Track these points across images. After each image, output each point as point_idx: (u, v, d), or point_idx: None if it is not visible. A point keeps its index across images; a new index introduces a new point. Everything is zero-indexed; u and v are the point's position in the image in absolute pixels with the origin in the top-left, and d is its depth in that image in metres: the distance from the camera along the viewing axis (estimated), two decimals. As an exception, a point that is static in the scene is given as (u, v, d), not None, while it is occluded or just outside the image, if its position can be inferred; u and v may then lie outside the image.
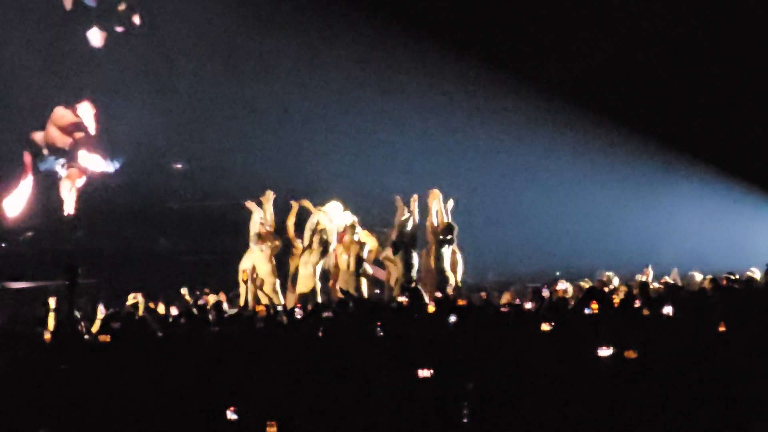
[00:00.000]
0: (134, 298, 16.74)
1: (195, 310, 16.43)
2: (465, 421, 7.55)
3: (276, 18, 25.61)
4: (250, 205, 18.11)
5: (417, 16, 25.73)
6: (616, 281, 18.41)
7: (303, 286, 17.61)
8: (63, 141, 24.70)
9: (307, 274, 17.64)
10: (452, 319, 11.62)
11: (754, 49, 24.69)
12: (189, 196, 26.65)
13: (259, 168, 25.99)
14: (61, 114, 24.77)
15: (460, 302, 14.08)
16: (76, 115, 25.02)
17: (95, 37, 25.92)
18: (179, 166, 26.78)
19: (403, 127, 26.38)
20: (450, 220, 18.24)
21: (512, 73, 25.60)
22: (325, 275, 18.08)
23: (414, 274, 17.81)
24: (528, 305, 14.25)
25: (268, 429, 7.54)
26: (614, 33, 24.91)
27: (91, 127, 24.96)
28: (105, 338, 12.41)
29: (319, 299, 17.22)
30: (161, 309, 17.61)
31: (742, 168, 25.04)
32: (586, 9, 25.17)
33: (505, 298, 17.12)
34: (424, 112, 26.53)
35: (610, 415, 7.53)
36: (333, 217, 18.04)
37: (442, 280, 17.60)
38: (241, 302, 17.45)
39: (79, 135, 24.69)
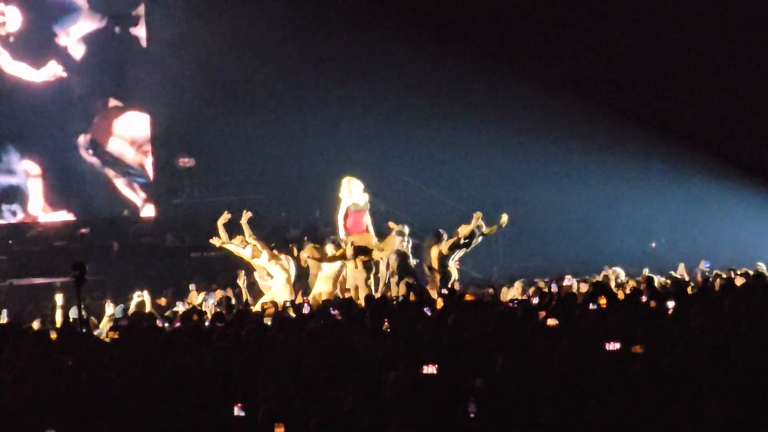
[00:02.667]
0: (140, 296, 16.75)
1: (204, 307, 16.50)
2: (472, 416, 7.54)
3: (284, 14, 25.62)
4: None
5: (435, 19, 25.80)
6: (623, 276, 18.38)
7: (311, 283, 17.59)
8: None
9: (315, 272, 17.61)
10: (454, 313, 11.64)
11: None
12: (196, 192, 26.66)
13: (266, 164, 26.03)
14: None
15: (468, 298, 14.08)
16: None
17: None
18: (186, 161, 26.78)
19: (417, 125, 26.35)
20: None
21: (520, 70, 25.62)
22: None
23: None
24: (535, 300, 14.22)
25: (276, 430, 7.50)
26: (627, 34, 24.92)
27: None
28: (113, 335, 12.44)
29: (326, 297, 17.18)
30: (163, 302, 17.67)
31: (749, 162, 25.02)
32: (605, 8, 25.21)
33: (511, 293, 17.09)
34: (431, 111, 26.51)
35: (617, 411, 7.52)
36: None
37: (445, 277, 17.45)
38: (243, 299, 17.46)
39: None
